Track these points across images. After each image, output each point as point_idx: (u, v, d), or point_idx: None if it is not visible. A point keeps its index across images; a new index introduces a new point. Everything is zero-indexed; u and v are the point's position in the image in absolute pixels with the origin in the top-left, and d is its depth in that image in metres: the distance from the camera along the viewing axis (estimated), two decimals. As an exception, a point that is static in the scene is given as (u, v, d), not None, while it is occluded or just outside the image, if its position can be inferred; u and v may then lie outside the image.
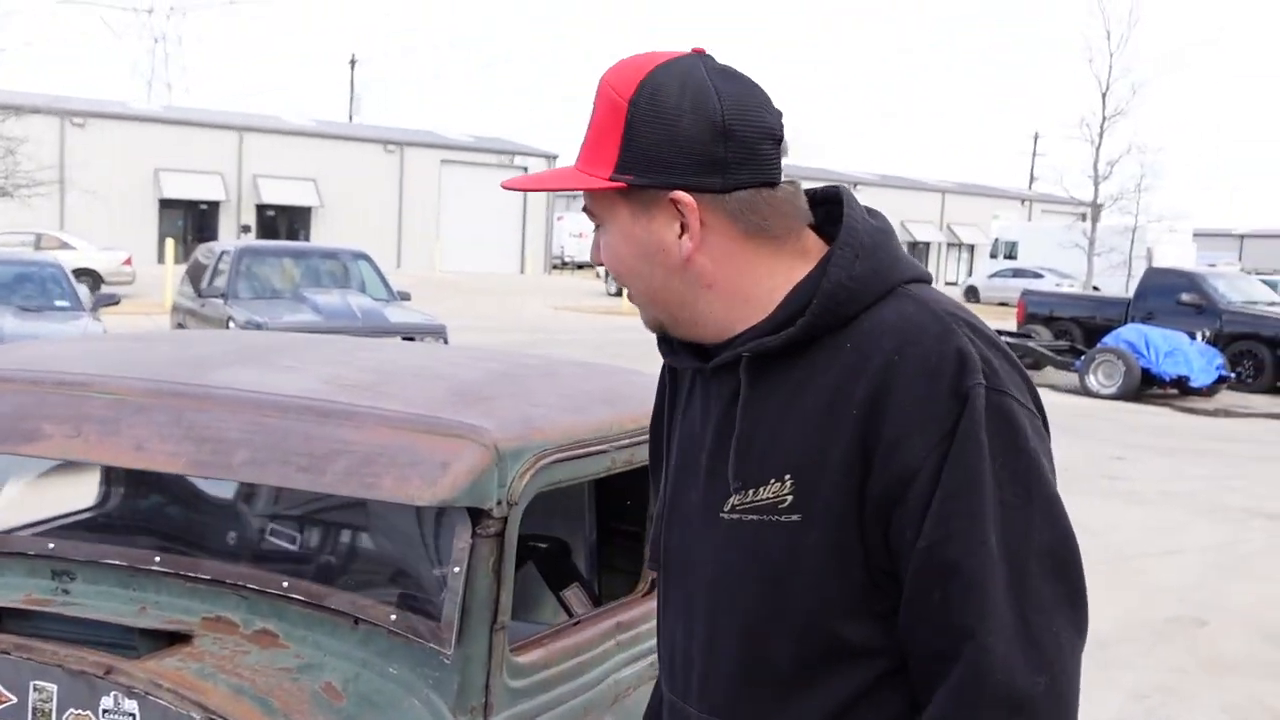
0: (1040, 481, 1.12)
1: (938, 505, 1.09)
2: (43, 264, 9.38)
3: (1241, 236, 65.54)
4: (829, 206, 1.25)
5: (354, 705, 1.73)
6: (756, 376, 1.19)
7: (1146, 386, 14.65)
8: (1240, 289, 17.62)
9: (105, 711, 1.63)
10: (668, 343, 1.30)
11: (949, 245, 53.50)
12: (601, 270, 32.02)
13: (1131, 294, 17.90)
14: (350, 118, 50.97)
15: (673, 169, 1.16)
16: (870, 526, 1.13)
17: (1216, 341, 16.00)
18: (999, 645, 1.08)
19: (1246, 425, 13.03)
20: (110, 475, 2.52)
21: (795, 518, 1.15)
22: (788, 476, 1.15)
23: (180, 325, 11.47)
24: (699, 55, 1.20)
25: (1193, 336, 15.64)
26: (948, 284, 50.31)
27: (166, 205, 35.60)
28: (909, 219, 51.40)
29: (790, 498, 1.15)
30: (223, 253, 11.14)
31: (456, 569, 1.75)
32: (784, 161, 1.20)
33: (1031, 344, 16.19)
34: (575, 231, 47.67)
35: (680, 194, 1.17)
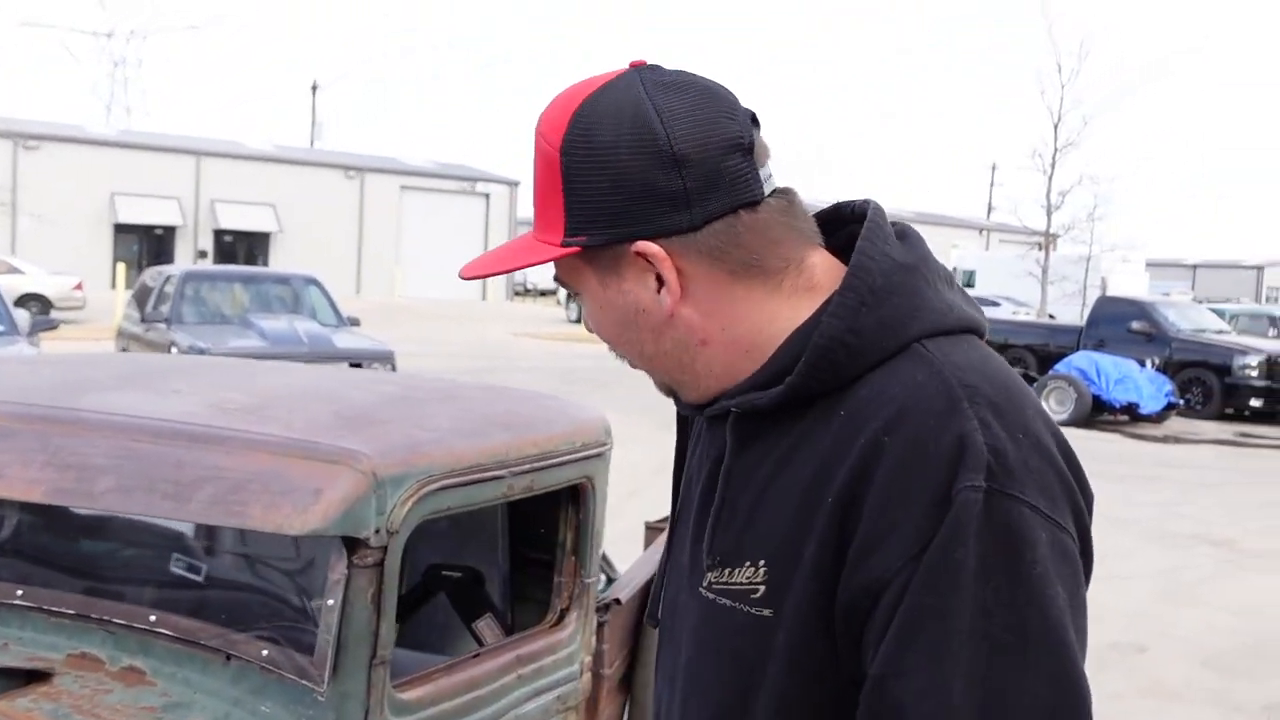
0: (1046, 619, 0.87)
1: (896, 630, 0.88)
2: (-21, 288, 9.17)
3: (1194, 266, 66.71)
4: (853, 226, 1.04)
5: (220, 746, 1.65)
6: (745, 437, 1.02)
7: (1098, 413, 14.80)
8: (1190, 317, 17.89)
9: (-53, 755, 1.54)
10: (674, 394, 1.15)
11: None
12: (563, 296, 32.03)
13: (1084, 322, 18.12)
14: (311, 143, 50.73)
15: (625, 217, 0.97)
16: (843, 635, 0.94)
17: (1166, 369, 16.23)
18: None
19: (1195, 451, 13.17)
20: None
21: (766, 612, 0.98)
22: (762, 563, 0.98)
23: (124, 350, 11.26)
24: (636, 70, 1.01)
25: (1143, 364, 15.85)
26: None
27: (121, 230, 35.15)
28: (869, 247, 51.73)
29: (762, 588, 0.98)
30: (168, 276, 10.97)
31: (330, 601, 1.67)
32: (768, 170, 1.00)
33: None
34: (537, 258, 47.53)
35: (643, 244, 0.98)
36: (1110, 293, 22.23)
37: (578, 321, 28.57)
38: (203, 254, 35.82)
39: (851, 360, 0.96)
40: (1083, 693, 0.88)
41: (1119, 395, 14.72)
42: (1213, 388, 16.17)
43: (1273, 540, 8.29)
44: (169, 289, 10.68)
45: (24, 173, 33.20)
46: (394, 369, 9.31)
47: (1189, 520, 8.90)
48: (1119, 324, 17.07)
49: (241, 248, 37.19)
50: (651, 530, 3.31)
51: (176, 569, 1.90)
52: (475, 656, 2.10)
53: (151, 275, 11.72)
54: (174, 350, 9.42)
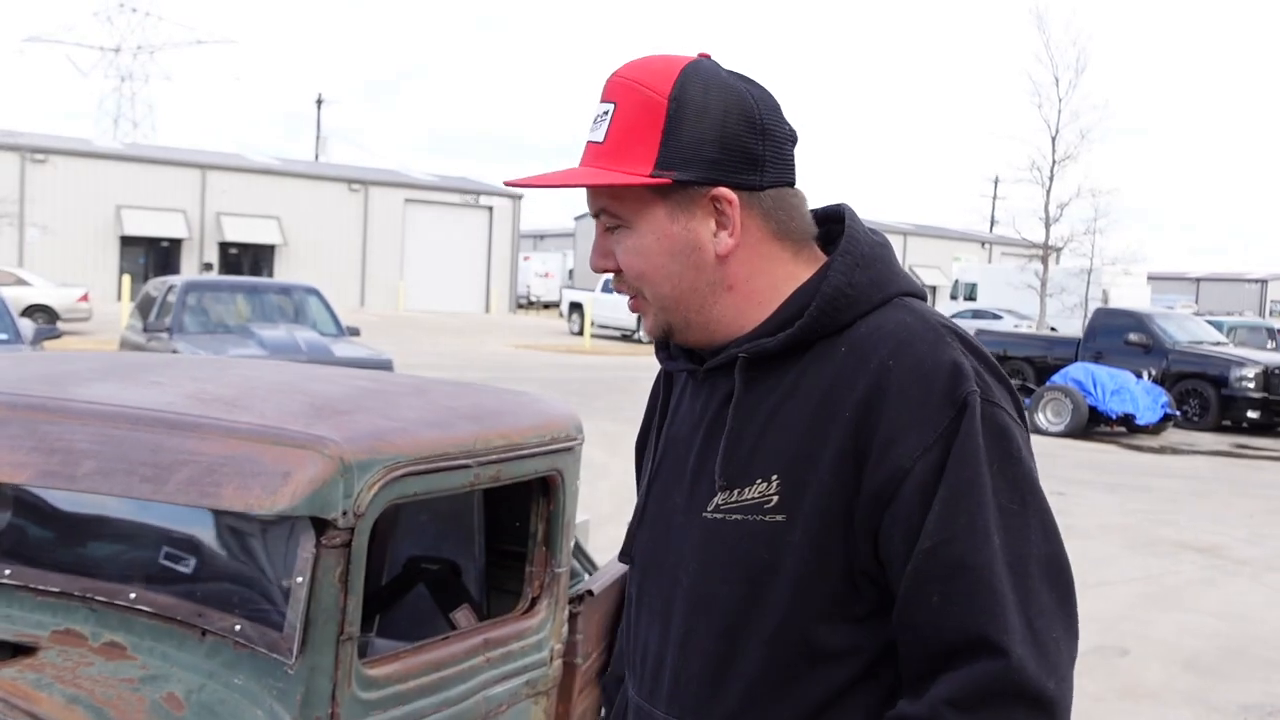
0: (1035, 491, 1.14)
1: (940, 506, 1.09)
2: (-18, 297, 9.30)
3: (1198, 280, 66.69)
4: (830, 225, 1.28)
5: (194, 715, 1.74)
6: (751, 379, 1.20)
7: (1095, 424, 14.87)
8: (1187, 329, 17.95)
9: (-64, 720, 1.64)
10: (665, 348, 1.32)
11: (911, 286, 54.07)
12: (565, 309, 32.12)
13: (1082, 334, 18.19)
14: (316, 157, 50.99)
15: (716, 165, 1.18)
16: (857, 529, 1.13)
17: (1163, 380, 16.29)
18: (1015, 646, 1.07)
19: (1189, 462, 13.22)
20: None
21: (780, 518, 1.15)
22: (775, 476, 1.16)
23: (127, 360, 11.36)
24: (709, 59, 1.22)
25: (1139, 375, 15.91)
26: (910, 325, 50.62)
27: (128, 242, 35.34)
28: (872, 260, 51.83)
29: (776, 498, 1.15)
30: (170, 287, 11.09)
31: (300, 579, 1.77)
32: None
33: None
34: (541, 271, 47.79)
35: (724, 190, 1.18)
36: (1112, 305, 22.31)
37: (580, 334, 28.66)
38: (208, 266, 35.99)
39: (849, 307, 1.19)
40: (1062, 543, 1.16)
41: (1115, 406, 14.79)
42: (1210, 399, 16.21)
43: (1258, 548, 8.36)
44: (171, 299, 10.80)
45: (31, 185, 33.42)
46: (392, 378, 9.41)
47: (1175, 528, 8.96)
48: (1116, 335, 17.14)
49: (247, 260, 37.36)
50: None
51: (156, 551, 2.00)
52: (444, 639, 2.19)
53: (155, 285, 11.85)
54: (175, 359, 9.52)
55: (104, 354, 2.50)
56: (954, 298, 39.00)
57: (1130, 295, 31.12)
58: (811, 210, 1.28)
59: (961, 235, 56.61)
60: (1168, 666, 5.54)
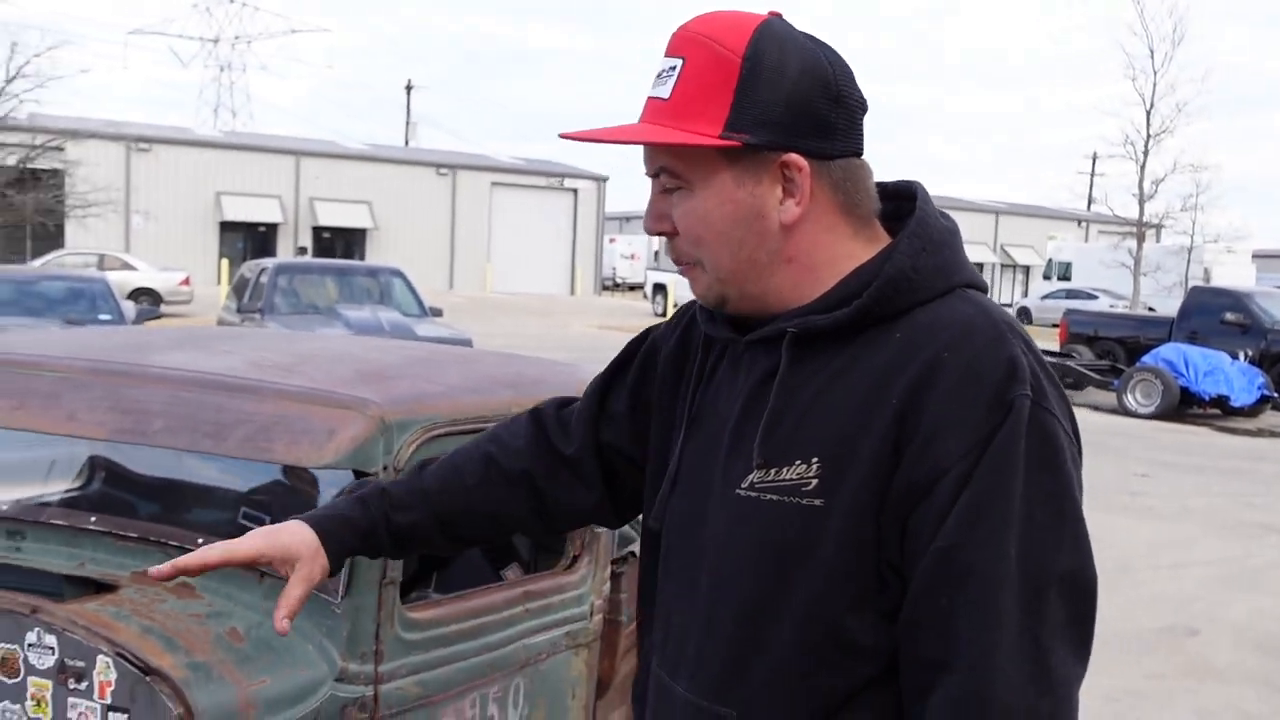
0: (1071, 504, 1.08)
1: (963, 509, 1.05)
2: (90, 280, 9.86)
3: (1309, 257, 63.93)
4: (899, 202, 1.21)
5: (253, 647, 1.94)
6: (797, 356, 1.15)
7: (1187, 406, 14.50)
8: (1288, 308, 17.34)
9: (30, 645, 1.85)
10: (707, 311, 1.26)
11: (1002, 266, 53.04)
12: (649, 290, 32.33)
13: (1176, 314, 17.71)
14: (406, 142, 51.99)
15: (788, 130, 1.12)
16: (889, 518, 1.08)
17: (1261, 361, 15.77)
18: (1004, 663, 1.03)
19: (1284, 445, 12.83)
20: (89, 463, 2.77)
21: (817, 502, 1.10)
22: (815, 460, 1.11)
23: (223, 340, 11.88)
24: (780, 18, 1.16)
25: (1236, 356, 15.43)
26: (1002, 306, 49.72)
27: (227, 228, 36.58)
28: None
29: (815, 481, 1.11)
30: (262, 269, 11.56)
31: (345, 527, 1.94)
32: None
33: (1071, 363, 16.10)
34: (626, 253, 48.05)
35: (794, 156, 1.12)
36: (1213, 284, 21.62)
37: (664, 315, 28.83)
38: (303, 250, 37.05)
39: (910, 292, 1.13)
40: (1093, 562, 1.10)
41: (1208, 388, 14.40)
42: (1311, 381, 15.67)
43: (1349, 531, 8.14)
44: (263, 281, 11.26)
45: (136, 174, 34.79)
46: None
47: (1259, 511, 8.76)
48: (1212, 315, 16.62)
49: (339, 244, 38.36)
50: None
51: (220, 504, 2.20)
52: (484, 589, 2.36)
53: (249, 268, 12.35)
54: (266, 338, 9.95)
55: (184, 328, 2.72)
56: (1047, 277, 38.14)
57: (1233, 274, 30.05)
58: (878, 184, 1.22)
59: (1057, 213, 55.23)
60: (1238, 648, 5.48)
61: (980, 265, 51.85)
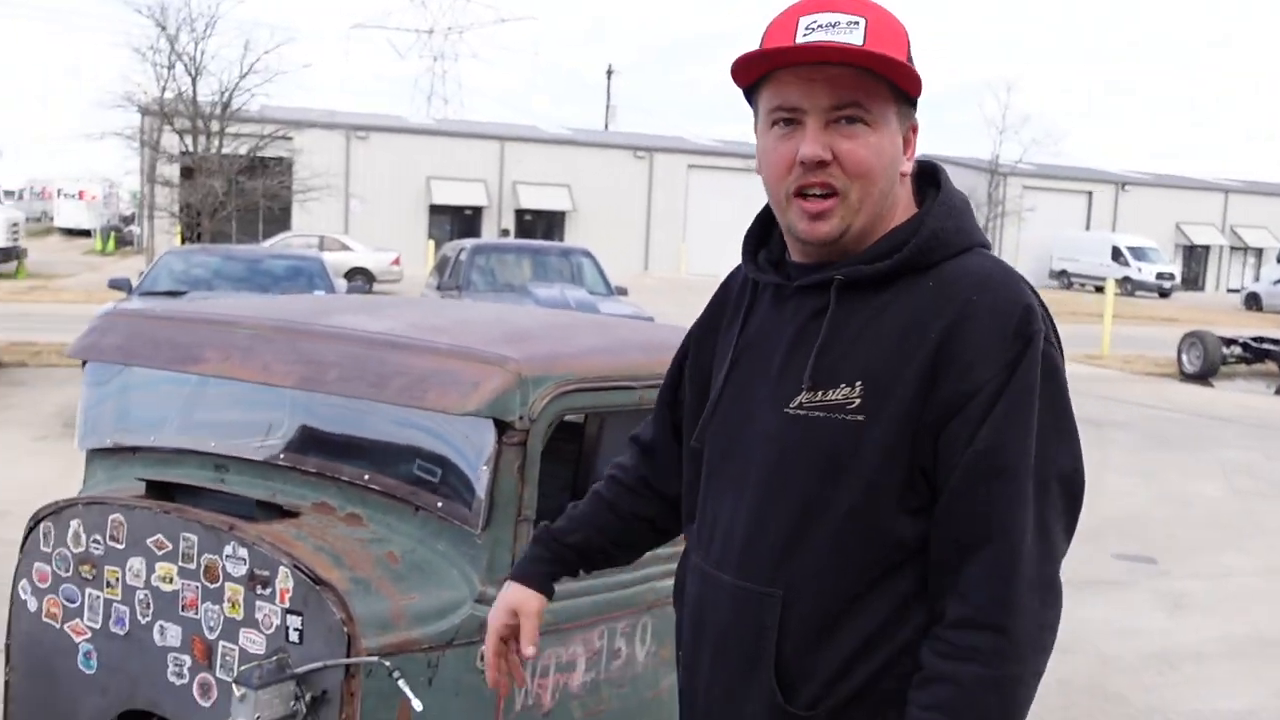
0: (1070, 420, 1.38)
1: (998, 417, 1.31)
2: (307, 259, 10.72)
3: None
4: (920, 179, 1.49)
5: (406, 569, 2.24)
6: (843, 298, 1.40)
7: None
8: None
9: (227, 556, 2.21)
10: (754, 260, 1.53)
11: (1232, 249, 49.33)
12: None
13: None
14: (605, 126, 53.08)
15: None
16: (924, 430, 1.33)
17: None
18: (1028, 538, 1.31)
19: None
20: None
21: (860, 418, 1.35)
22: (858, 383, 1.36)
23: (425, 315, 12.65)
24: None
25: None
26: (1229, 290, 46.31)
27: (435, 210, 38.50)
28: (1184, 221, 47.77)
29: (858, 400, 1.35)
30: (461, 249, 12.25)
31: (485, 468, 2.22)
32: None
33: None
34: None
35: (917, 119, 1.44)
36: None
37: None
38: (505, 232, 38.56)
39: (940, 248, 1.40)
40: (1083, 465, 1.40)
41: None
42: None
43: None
44: (462, 259, 11.94)
45: (354, 160, 37.09)
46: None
47: None
48: None
49: (540, 226, 39.70)
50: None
51: (384, 447, 2.52)
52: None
53: (450, 248, 13.11)
54: (462, 314, 10.57)
55: (362, 296, 3.07)
56: None
57: None
58: None
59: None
60: None
61: (1206, 248, 48.44)
